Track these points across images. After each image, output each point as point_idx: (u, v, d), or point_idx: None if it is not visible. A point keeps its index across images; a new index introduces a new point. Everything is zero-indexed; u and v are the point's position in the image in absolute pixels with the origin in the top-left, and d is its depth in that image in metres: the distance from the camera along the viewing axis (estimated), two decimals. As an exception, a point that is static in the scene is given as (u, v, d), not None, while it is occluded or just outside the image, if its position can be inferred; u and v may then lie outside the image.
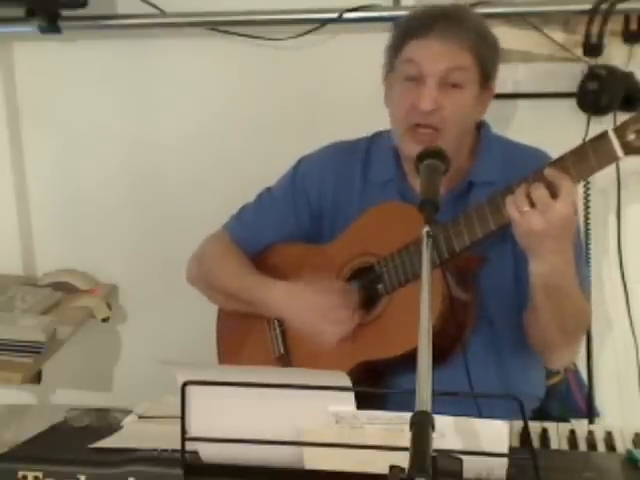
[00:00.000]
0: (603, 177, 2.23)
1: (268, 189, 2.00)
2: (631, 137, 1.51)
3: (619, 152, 1.51)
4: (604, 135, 1.53)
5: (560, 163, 1.56)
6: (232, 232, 1.99)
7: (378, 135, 1.92)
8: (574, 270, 1.62)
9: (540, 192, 1.51)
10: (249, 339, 1.95)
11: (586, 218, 2.23)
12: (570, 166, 1.54)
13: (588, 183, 2.23)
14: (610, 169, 2.18)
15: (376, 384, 1.75)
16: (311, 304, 1.77)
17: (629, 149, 1.51)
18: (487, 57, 1.74)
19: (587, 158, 1.53)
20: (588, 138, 2.13)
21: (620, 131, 1.52)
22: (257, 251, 1.95)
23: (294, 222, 1.93)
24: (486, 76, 1.75)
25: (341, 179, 1.89)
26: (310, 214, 1.92)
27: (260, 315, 1.90)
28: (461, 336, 1.62)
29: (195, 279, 2.02)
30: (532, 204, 1.52)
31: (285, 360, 1.87)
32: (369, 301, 1.78)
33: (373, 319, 1.76)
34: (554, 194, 1.51)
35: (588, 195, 2.24)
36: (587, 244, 2.22)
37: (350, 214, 1.85)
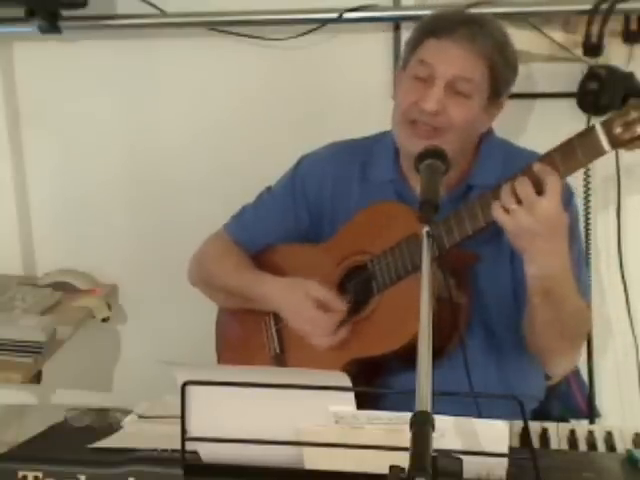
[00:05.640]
0: (602, 171, 2.24)
1: (268, 188, 2.00)
2: (618, 130, 1.50)
3: (606, 146, 1.51)
4: (591, 129, 1.53)
5: (547, 159, 1.56)
6: (232, 232, 1.99)
7: (381, 135, 1.92)
8: (571, 276, 1.62)
9: (525, 189, 1.51)
10: (247, 338, 1.96)
11: (586, 213, 2.23)
12: (558, 162, 1.54)
13: (589, 178, 2.23)
14: (611, 163, 2.20)
15: (369, 383, 1.75)
16: (302, 309, 1.77)
17: (616, 143, 1.51)
18: (501, 73, 1.73)
19: (574, 153, 1.54)
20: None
21: (607, 125, 1.51)
22: (257, 251, 1.96)
23: (294, 221, 1.94)
24: (496, 91, 1.74)
25: (340, 178, 1.89)
26: (309, 213, 1.93)
27: (258, 313, 1.91)
28: (454, 336, 1.62)
29: (196, 279, 2.03)
30: (519, 201, 1.51)
31: (280, 359, 1.88)
32: (363, 299, 1.78)
33: (365, 317, 1.76)
34: (540, 191, 1.51)
35: (588, 190, 2.24)
36: (587, 244, 2.22)
37: (349, 213, 1.85)
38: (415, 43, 1.76)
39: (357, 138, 1.95)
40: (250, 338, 1.94)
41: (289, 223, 1.94)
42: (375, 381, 1.77)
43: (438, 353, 1.62)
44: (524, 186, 1.51)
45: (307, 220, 1.93)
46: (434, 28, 1.72)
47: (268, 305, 1.86)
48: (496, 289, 1.75)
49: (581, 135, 1.55)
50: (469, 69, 1.69)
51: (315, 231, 1.92)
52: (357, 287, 1.79)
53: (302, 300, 1.77)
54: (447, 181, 1.74)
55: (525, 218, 1.51)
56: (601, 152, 1.53)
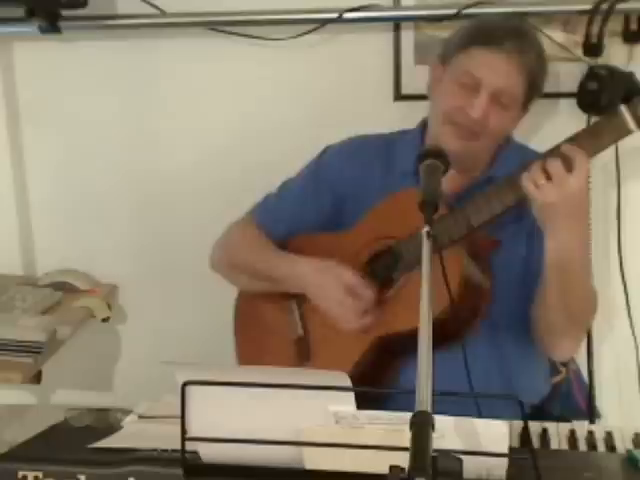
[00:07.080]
0: (602, 170, 2.24)
1: (290, 178, 2.04)
2: None
3: (632, 126, 1.64)
4: (616, 111, 1.65)
5: (575, 139, 1.66)
6: (256, 218, 2.02)
7: (404, 132, 1.98)
8: (588, 255, 1.68)
9: (556, 166, 1.59)
10: (267, 323, 1.98)
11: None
12: (585, 142, 1.64)
13: (589, 177, 2.22)
14: (611, 162, 2.21)
15: (390, 364, 1.79)
16: (332, 292, 1.81)
17: None
18: (538, 83, 1.84)
19: (601, 134, 1.66)
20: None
21: (632, 107, 1.64)
22: (280, 237, 1.98)
23: (316, 208, 1.97)
24: (529, 99, 1.85)
25: (364, 171, 1.93)
26: (332, 202, 1.96)
27: (279, 297, 1.93)
28: (473, 320, 1.66)
29: (219, 263, 2.05)
30: (548, 177, 1.60)
31: (304, 341, 1.90)
32: (389, 279, 1.82)
33: (392, 295, 1.80)
34: (569, 169, 1.59)
35: (588, 190, 2.23)
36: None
37: (371, 204, 1.88)
38: (462, 44, 1.82)
39: (380, 133, 2.00)
40: (271, 322, 1.97)
41: (312, 210, 1.97)
42: (393, 365, 1.80)
43: (459, 337, 1.64)
44: (554, 163, 1.59)
45: (329, 208, 1.97)
46: (482, 36, 1.79)
47: (297, 286, 1.88)
48: (507, 276, 1.79)
49: (607, 117, 1.67)
50: (514, 84, 1.79)
51: (336, 220, 1.96)
52: (384, 267, 1.83)
53: (333, 283, 1.81)
54: (469, 175, 1.86)
55: (553, 193, 1.58)
56: (627, 131, 1.66)
